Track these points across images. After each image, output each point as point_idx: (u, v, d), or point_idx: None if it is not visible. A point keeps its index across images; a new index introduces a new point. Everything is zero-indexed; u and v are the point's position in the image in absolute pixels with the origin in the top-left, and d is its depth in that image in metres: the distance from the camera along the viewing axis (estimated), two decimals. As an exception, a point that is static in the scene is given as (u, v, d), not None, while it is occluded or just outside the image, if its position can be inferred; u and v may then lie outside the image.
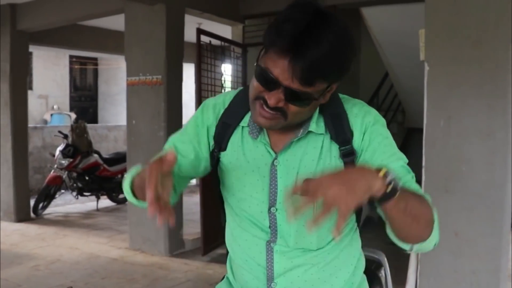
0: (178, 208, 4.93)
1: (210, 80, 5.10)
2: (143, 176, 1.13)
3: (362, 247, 1.39)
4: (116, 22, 6.33)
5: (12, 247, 5.08)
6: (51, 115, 11.74)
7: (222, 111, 1.28)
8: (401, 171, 1.16)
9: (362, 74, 6.86)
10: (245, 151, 1.24)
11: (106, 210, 7.19)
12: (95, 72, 13.21)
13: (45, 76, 11.80)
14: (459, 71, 2.76)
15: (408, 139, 7.80)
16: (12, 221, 6.20)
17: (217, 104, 1.30)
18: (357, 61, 6.08)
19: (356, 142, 1.19)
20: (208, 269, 4.42)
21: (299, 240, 1.23)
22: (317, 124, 1.20)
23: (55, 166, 6.83)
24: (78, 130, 7.09)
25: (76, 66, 12.82)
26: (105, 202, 7.38)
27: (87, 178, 7.05)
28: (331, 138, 1.20)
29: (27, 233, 5.71)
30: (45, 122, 11.51)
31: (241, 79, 5.73)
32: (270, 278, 1.25)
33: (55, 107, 12.06)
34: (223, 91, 5.30)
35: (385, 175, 0.98)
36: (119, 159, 7.17)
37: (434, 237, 1.13)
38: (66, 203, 7.54)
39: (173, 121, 4.78)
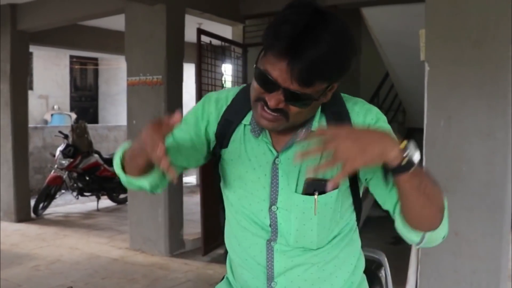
0: (178, 208, 4.94)
1: (211, 80, 5.10)
2: (134, 150, 1.15)
3: (362, 247, 1.39)
4: (116, 22, 6.33)
5: (12, 247, 5.08)
6: (52, 115, 11.75)
7: (224, 107, 1.27)
8: None
9: (362, 74, 6.86)
10: (247, 149, 1.24)
11: (107, 210, 7.19)
12: (96, 72, 13.22)
13: (45, 76, 11.81)
14: (460, 71, 2.76)
15: (409, 139, 7.79)
16: (13, 221, 6.20)
17: (220, 99, 1.29)
18: (358, 61, 6.08)
19: None
20: (208, 269, 4.42)
21: (299, 239, 1.23)
22: (319, 123, 1.20)
23: (56, 166, 6.83)
24: (79, 130, 7.10)
25: (76, 66, 12.83)
26: (105, 202, 7.38)
27: (87, 178, 7.05)
28: None
29: (27, 233, 5.71)
30: (46, 122, 11.52)
31: (242, 79, 5.73)
32: (270, 277, 1.25)
33: (55, 107, 12.07)
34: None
35: (405, 148, 0.99)
36: (120, 159, 7.16)
37: (444, 227, 1.12)
38: (66, 203, 7.54)
39: (174, 121, 4.77)
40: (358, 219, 1.33)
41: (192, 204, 6.50)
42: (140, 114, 4.91)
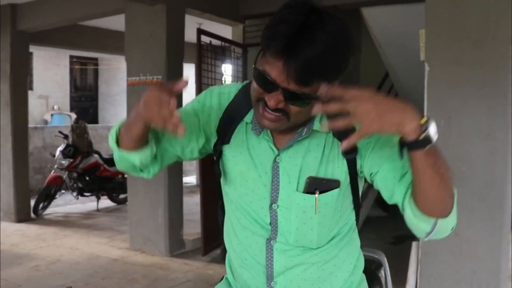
0: (178, 208, 4.94)
1: (211, 81, 5.10)
2: (130, 118, 1.16)
3: (362, 247, 1.39)
4: (116, 23, 6.33)
5: (12, 247, 5.08)
6: (52, 115, 11.75)
7: (227, 103, 1.27)
8: None
9: (362, 74, 6.85)
10: (249, 146, 1.24)
11: (107, 210, 7.19)
12: (96, 73, 13.22)
13: (45, 76, 11.81)
14: (459, 72, 2.76)
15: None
16: (13, 221, 6.20)
17: (223, 94, 1.29)
18: (358, 61, 6.08)
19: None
20: (208, 269, 4.42)
21: (299, 238, 1.23)
22: (320, 122, 1.20)
23: (56, 166, 6.83)
24: (79, 130, 7.10)
25: (76, 66, 12.83)
26: (105, 202, 7.38)
27: (87, 178, 7.05)
28: (334, 135, 1.20)
29: (27, 234, 5.71)
30: (46, 122, 11.52)
31: (241, 79, 5.73)
32: (269, 277, 1.25)
33: (55, 107, 12.07)
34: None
35: (425, 123, 0.98)
36: (120, 159, 7.16)
37: (453, 216, 1.11)
38: (66, 203, 7.54)
39: (174, 121, 4.77)
40: (357, 219, 1.33)
41: (192, 204, 6.50)
42: (140, 114, 4.90)
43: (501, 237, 2.75)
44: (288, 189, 1.20)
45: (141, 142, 1.18)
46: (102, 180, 7.12)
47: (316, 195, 1.18)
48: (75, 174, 6.99)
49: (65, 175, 6.84)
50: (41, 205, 6.62)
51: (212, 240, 4.81)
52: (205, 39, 4.90)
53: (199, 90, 4.84)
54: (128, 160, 1.21)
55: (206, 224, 4.69)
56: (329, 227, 1.24)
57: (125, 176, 6.60)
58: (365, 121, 0.96)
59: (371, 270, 1.52)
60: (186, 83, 1.06)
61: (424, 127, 0.98)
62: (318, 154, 1.20)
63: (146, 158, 1.21)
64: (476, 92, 2.74)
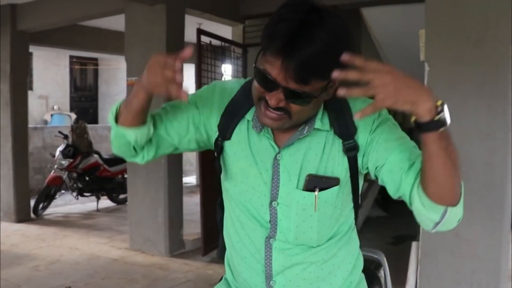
0: (178, 208, 4.94)
1: (211, 81, 5.10)
2: (130, 98, 1.17)
3: (362, 247, 1.39)
4: (116, 23, 6.33)
5: (12, 247, 5.08)
6: (51, 115, 11.74)
7: (229, 99, 1.27)
8: (415, 150, 1.17)
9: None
10: (251, 143, 1.24)
11: (106, 210, 7.19)
12: (95, 73, 13.22)
13: (45, 77, 11.82)
14: (459, 71, 2.76)
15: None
16: (12, 221, 6.20)
17: (225, 90, 1.29)
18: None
19: (361, 136, 1.19)
20: (208, 269, 4.42)
21: (299, 236, 1.23)
22: (322, 121, 1.20)
23: (55, 166, 6.83)
24: (78, 130, 7.10)
25: (76, 67, 12.83)
26: (105, 202, 7.37)
27: (87, 178, 7.05)
28: (335, 132, 1.20)
29: (27, 234, 5.71)
30: (45, 122, 11.51)
31: (241, 79, 5.72)
32: (268, 276, 1.25)
33: (55, 107, 12.07)
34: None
35: (441, 105, 1.00)
36: (119, 159, 7.15)
37: (461, 206, 1.10)
38: (66, 204, 7.54)
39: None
40: (356, 218, 1.33)
41: (192, 204, 6.50)
42: (140, 114, 4.90)
43: (501, 236, 2.75)
44: (288, 186, 1.20)
45: (139, 118, 1.19)
46: (102, 180, 7.12)
47: (316, 193, 1.19)
48: (75, 174, 6.99)
49: (65, 175, 6.84)
50: (41, 205, 6.62)
51: (212, 240, 4.81)
52: (205, 39, 4.90)
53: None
54: (124, 136, 1.22)
55: (206, 224, 4.68)
56: (329, 225, 1.24)
57: (125, 176, 6.60)
58: (381, 94, 0.97)
59: (370, 270, 1.52)
60: (191, 51, 1.06)
61: (440, 109, 1.00)
62: (318, 152, 1.20)
63: (141, 137, 1.22)
64: (476, 92, 2.74)
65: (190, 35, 5.19)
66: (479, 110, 2.74)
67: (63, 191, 7.08)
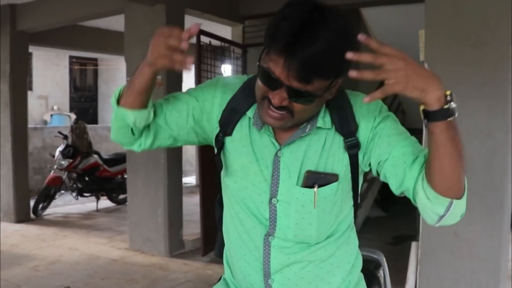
0: (178, 208, 4.94)
1: (210, 81, 5.09)
2: (133, 78, 1.19)
3: (361, 247, 1.39)
4: (116, 23, 6.33)
5: (12, 247, 5.08)
6: (51, 115, 11.73)
7: (231, 95, 1.27)
8: (417, 145, 1.18)
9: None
10: (252, 140, 1.24)
11: (106, 210, 7.19)
12: (95, 73, 13.21)
13: (45, 77, 11.81)
14: (459, 72, 2.76)
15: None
16: (12, 221, 6.20)
17: (228, 85, 1.29)
18: (357, 62, 6.08)
19: (362, 133, 1.19)
20: (208, 269, 4.42)
21: (298, 233, 1.23)
22: (323, 119, 1.20)
23: (55, 166, 6.82)
24: (78, 130, 7.09)
25: (76, 67, 12.83)
26: (105, 202, 7.37)
27: (87, 178, 7.05)
28: (336, 129, 1.20)
29: (27, 234, 5.71)
30: (45, 122, 11.51)
31: (241, 79, 5.71)
32: (267, 274, 1.25)
33: (55, 107, 12.06)
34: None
35: (450, 95, 1.01)
36: (119, 159, 7.17)
37: (465, 201, 1.11)
38: (66, 204, 7.54)
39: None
40: (355, 217, 1.32)
41: (192, 204, 6.50)
42: (139, 114, 4.90)
43: (500, 237, 2.75)
44: (288, 183, 1.20)
45: (140, 99, 1.19)
46: (101, 180, 7.12)
47: (315, 189, 1.19)
48: (74, 175, 6.99)
49: (64, 176, 6.83)
50: (40, 206, 6.61)
51: (212, 240, 4.79)
52: (204, 39, 4.90)
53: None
54: (123, 118, 1.22)
55: (206, 225, 4.68)
56: (328, 222, 1.24)
57: (125, 176, 6.59)
58: (392, 78, 0.98)
59: (370, 270, 1.52)
60: (198, 28, 1.07)
61: (449, 98, 1.01)
62: (318, 148, 1.20)
63: (140, 120, 1.22)
64: (476, 92, 2.74)
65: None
66: (479, 111, 2.74)
67: (62, 192, 7.08)
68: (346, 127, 1.19)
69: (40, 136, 8.89)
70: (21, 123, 6.33)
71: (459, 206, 1.10)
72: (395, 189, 1.17)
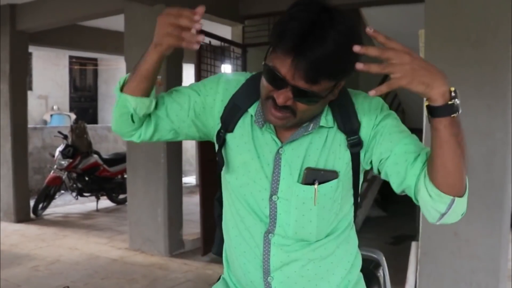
0: (178, 208, 4.94)
1: (210, 81, 5.08)
2: (138, 63, 1.20)
3: (361, 246, 1.39)
4: (116, 23, 6.33)
5: (11, 247, 5.08)
6: (51, 115, 11.73)
7: (234, 91, 1.27)
8: (419, 143, 1.18)
9: (362, 74, 6.86)
10: (254, 137, 1.25)
11: (106, 210, 7.19)
12: (95, 73, 13.21)
13: (45, 77, 11.81)
14: (459, 72, 2.77)
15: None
16: (12, 221, 6.20)
17: (231, 82, 1.29)
18: (358, 61, 6.09)
19: (364, 131, 1.20)
20: (207, 269, 4.42)
21: (298, 230, 1.23)
22: (326, 118, 1.21)
23: (55, 166, 6.82)
24: (78, 130, 7.09)
25: (76, 67, 12.82)
26: (104, 202, 7.38)
27: (87, 178, 7.05)
28: (338, 127, 1.21)
29: (26, 234, 5.71)
30: (45, 122, 11.50)
31: (241, 79, 5.71)
32: (266, 271, 1.25)
33: (54, 107, 12.06)
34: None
35: (454, 91, 1.02)
36: (119, 159, 7.17)
37: (466, 199, 1.11)
38: (65, 204, 7.54)
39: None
40: (355, 216, 1.33)
41: (192, 204, 6.50)
42: (139, 114, 4.90)
43: (500, 236, 2.75)
44: (288, 180, 1.21)
45: (144, 85, 1.20)
46: (101, 180, 7.12)
47: (316, 186, 1.19)
48: (74, 175, 6.99)
49: (64, 176, 6.84)
50: (40, 206, 6.61)
51: (212, 240, 4.76)
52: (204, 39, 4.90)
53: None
54: (124, 105, 1.22)
55: (206, 224, 4.69)
56: (328, 220, 1.24)
57: (125, 176, 6.59)
58: (398, 73, 0.99)
59: (369, 269, 1.52)
60: (203, 10, 1.09)
61: (453, 94, 1.01)
62: (319, 146, 1.21)
63: (141, 107, 1.22)
64: (475, 92, 2.74)
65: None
66: (478, 110, 2.74)
67: (62, 191, 7.08)
68: (349, 125, 1.20)
69: (40, 136, 8.89)
70: (21, 123, 6.33)
71: (461, 204, 1.10)
72: (396, 187, 1.17)
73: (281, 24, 1.06)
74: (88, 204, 7.47)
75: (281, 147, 1.21)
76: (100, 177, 7.10)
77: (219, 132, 1.28)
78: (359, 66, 1.01)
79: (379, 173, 1.21)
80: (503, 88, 2.69)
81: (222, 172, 1.32)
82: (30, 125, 7.54)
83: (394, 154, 1.16)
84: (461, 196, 1.09)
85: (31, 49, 7.81)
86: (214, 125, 1.29)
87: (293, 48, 1.02)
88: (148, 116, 1.28)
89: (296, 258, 1.24)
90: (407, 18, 4.96)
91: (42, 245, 5.19)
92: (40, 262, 4.56)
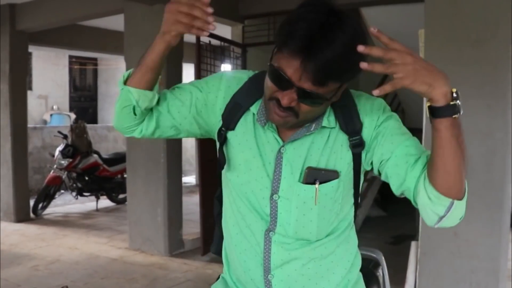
0: (177, 208, 4.94)
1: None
2: (143, 55, 1.20)
3: (361, 246, 1.39)
4: (115, 22, 6.33)
5: (11, 247, 5.08)
6: (51, 115, 11.73)
7: (236, 89, 1.27)
8: (420, 146, 1.18)
9: (362, 74, 6.87)
10: (256, 135, 1.25)
11: (106, 210, 7.19)
12: (95, 72, 13.21)
13: (44, 76, 11.81)
14: (459, 71, 2.77)
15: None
16: (12, 221, 6.20)
17: (234, 79, 1.29)
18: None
19: (366, 132, 1.20)
20: (207, 269, 4.42)
21: (298, 230, 1.23)
22: (328, 119, 1.21)
23: (55, 166, 6.82)
24: (78, 130, 7.09)
25: (75, 66, 12.83)
26: (104, 202, 7.38)
27: (86, 178, 7.05)
28: (340, 128, 1.21)
29: (26, 233, 5.71)
30: (45, 122, 11.51)
31: (241, 79, 5.71)
32: (267, 270, 1.25)
33: (54, 107, 12.06)
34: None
35: (455, 92, 1.02)
36: (119, 159, 7.17)
37: (465, 203, 1.11)
38: (65, 203, 7.54)
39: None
40: (355, 216, 1.33)
41: (191, 204, 6.50)
42: (139, 114, 4.90)
43: (500, 236, 2.75)
44: (289, 179, 1.21)
45: (148, 77, 1.20)
46: (101, 180, 7.12)
47: (316, 186, 1.19)
48: (74, 174, 6.99)
49: (64, 175, 6.84)
50: (40, 205, 6.61)
51: (212, 240, 4.79)
52: (204, 39, 4.89)
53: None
54: (127, 97, 1.22)
55: (206, 224, 4.69)
56: (328, 219, 1.25)
57: (124, 176, 6.60)
58: (400, 73, 1.00)
59: (368, 269, 1.52)
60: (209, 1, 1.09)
61: (455, 95, 1.02)
62: (321, 146, 1.21)
63: (144, 99, 1.22)
64: (475, 92, 2.74)
65: (189, 35, 5.18)
66: (478, 110, 2.74)
67: (62, 191, 7.08)
68: (351, 126, 1.20)
69: (40, 136, 8.89)
70: (21, 122, 6.33)
71: (459, 208, 1.10)
72: (396, 189, 1.18)
73: (289, 25, 1.05)
74: (88, 203, 7.47)
75: (282, 146, 1.21)
76: (100, 176, 7.10)
77: (220, 129, 1.28)
78: (364, 65, 1.01)
79: (379, 174, 1.21)
80: (503, 88, 2.70)
81: (223, 170, 1.31)
82: (30, 125, 7.54)
83: (395, 156, 1.16)
84: (460, 199, 1.09)
85: (31, 49, 7.80)
86: (215, 122, 1.29)
87: (301, 49, 1.02)
88: (150, 111, 1.28)
89: (297, 256, 1.24)
90: (407, 18, 4.96)
91: (42, 245, 5.19)
92: (40, 262, 4.56)
